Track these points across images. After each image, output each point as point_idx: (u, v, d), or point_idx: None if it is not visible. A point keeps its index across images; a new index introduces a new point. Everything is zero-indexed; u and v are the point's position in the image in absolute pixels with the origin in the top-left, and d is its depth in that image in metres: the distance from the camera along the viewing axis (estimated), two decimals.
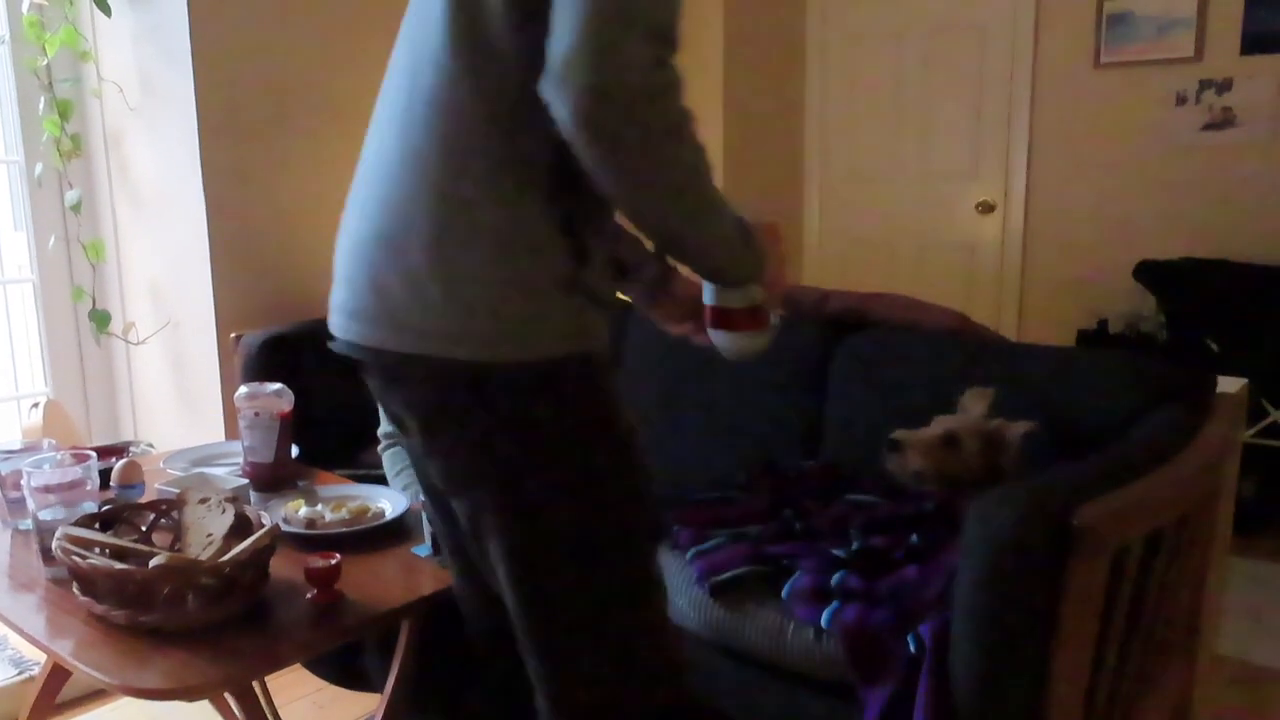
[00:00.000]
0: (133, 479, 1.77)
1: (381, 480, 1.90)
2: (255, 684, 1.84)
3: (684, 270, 1.23)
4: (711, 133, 3.90)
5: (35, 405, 2.35)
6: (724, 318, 1.20)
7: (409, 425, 1.14)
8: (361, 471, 2.10)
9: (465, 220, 1.02)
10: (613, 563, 1.11)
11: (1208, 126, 3.48)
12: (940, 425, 1.72)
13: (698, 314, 1.39)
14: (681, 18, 0.96)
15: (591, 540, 1.10)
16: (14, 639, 2.42)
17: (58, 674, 1.72)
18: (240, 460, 1.88)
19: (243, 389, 1.82)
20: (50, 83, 2.49)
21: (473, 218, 1.01)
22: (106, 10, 2.43)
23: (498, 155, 1.01)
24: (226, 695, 1.92)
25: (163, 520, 1.53)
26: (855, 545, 1.55)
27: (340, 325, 1.13)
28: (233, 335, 2.44)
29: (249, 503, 1.73)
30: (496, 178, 1.01)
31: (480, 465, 1.09)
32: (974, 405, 1.75)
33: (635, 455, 1.13)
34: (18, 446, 1.86)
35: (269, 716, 1.89)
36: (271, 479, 1.82)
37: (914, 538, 1.54)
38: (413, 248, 1.04)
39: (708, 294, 1.21)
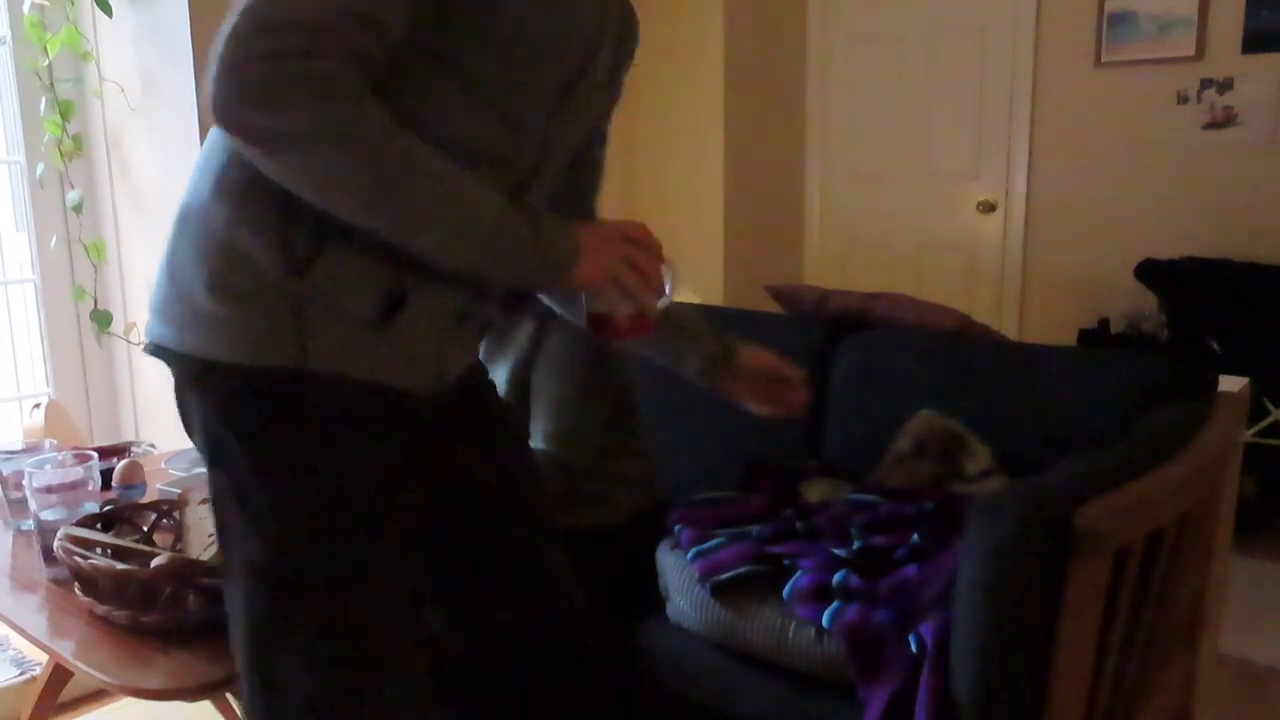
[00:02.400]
0: (134, 479, 1.77)
1: None
2: None
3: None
4: (712, 132, 3.90)
5: (37, 406, 2.35)
6: (599, 324, 1.15)
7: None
8: None
9: (198, 217, 1.03)
10: (281, 617, 1.03)
11: (1209, 125, 3.48)
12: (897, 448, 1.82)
13: (775, 389, 1.43)
14: (364, 13, 0.91)
15: (261, 583, 1.03)
16: (15, 639, 2.42)
17: (59, 674, 1.73)
18: None
19: None
20: (51, 83, 2.49)
21: (204, 216, 1.02)
22: (108, 10, 2.43)
23: (230, 161, 1.02)
24: (227, 695, 1.92)
25: (164, 520, 1.53)
26: (856, 545, 1.55)
27: None
28: None
29: None
30: (226, 181, 1.01)
31: (212, 475, 1.07)
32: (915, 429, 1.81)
33: (341, 517, 1.03)
34: (19, 447, 1.87)
35: None
36: None
37: (915, 537, 1.54)
38: (168, 245, 1.07)
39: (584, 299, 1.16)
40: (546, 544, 1.32)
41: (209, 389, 1.04)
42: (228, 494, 1.04)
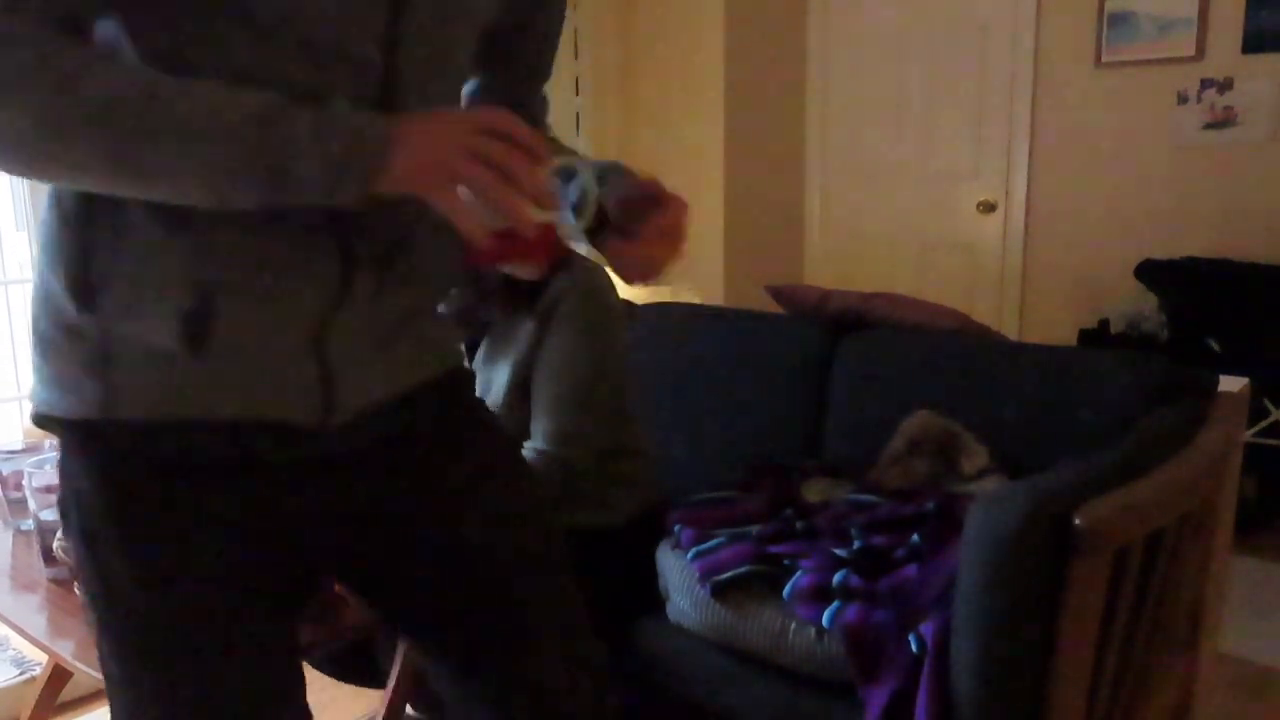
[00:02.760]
0: None
1: None
2: None
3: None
4: (712, 132, 3.90)
5: None
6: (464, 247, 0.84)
7: None
8: None
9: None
10: (122, 688, 0.91)
11: (1209, 125, 3.48)
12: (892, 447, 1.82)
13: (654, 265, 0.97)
14: None
15: (105, 650, 0.92)
16: (15, 639, 2.42)
17: (59, 674, 1.73)
18: None
19: None
20: None
21: (37, 256, 0.91)
22: None
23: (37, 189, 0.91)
24: None
25: None
26: (856, 544, 1.55)
27: None
28: None
29: None
30: (40, 212, 0.89)
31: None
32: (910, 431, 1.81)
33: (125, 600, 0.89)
34: (19, 447, 1.87)
35: None
36: None
37: (915, 537, 1.54)
38: None
39: None
40: (544, 576, 1.08)
41: (58, 445, 0.94)
42: (75, 566, 0.93)
